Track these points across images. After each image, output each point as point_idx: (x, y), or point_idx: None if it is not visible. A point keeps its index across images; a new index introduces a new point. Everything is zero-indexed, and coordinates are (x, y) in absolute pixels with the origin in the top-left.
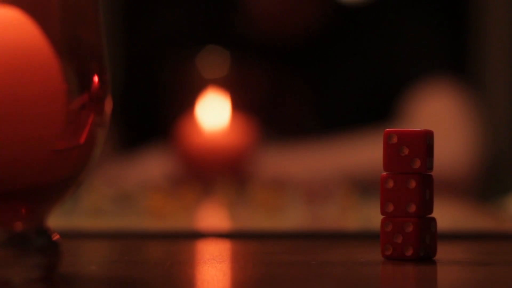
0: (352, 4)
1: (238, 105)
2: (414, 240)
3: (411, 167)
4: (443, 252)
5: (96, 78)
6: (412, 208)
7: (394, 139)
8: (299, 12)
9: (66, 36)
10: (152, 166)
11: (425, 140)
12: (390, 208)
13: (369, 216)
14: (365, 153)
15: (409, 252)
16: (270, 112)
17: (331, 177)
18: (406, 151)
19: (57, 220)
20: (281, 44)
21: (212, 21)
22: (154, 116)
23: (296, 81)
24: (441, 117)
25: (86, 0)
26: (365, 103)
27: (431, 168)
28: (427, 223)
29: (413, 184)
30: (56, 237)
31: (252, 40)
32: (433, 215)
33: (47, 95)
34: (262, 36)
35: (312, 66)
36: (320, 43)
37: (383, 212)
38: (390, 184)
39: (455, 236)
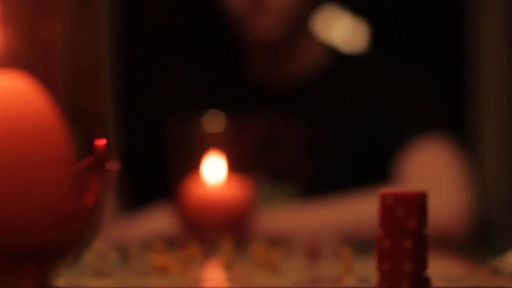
0: (350, 54)
1: (236, 164)
2: None
3: (406, 227)
4: None
5: (101, 142)
6: (408, 267)
7: (390, 200)
8: (296, 63)
9: (72, 101)
10: (154, 225)
11: (419, 201)
12: (386, 266)
13: (366, 273)
14: (362, 211)
15: None
16: (266, 167)
17: (329, 234)
18: (401, 211)
19: (60, 280)
20: (278, 98)
21: (212, 75)
22: (155, 177)
23: (291, 133)
24: (435, 175)
25: (91, 67)
26: (361, 158)
27: (425, 227)
28: (422, 281)
29: (408, 243)
30: None
31: (250, 94)
32: (428, 272)
33: (53, 159)
34: (259, 89)
35: (307, 118)
36: (315, 97)
37: (379, 270)
38: (386, 243)
39: None
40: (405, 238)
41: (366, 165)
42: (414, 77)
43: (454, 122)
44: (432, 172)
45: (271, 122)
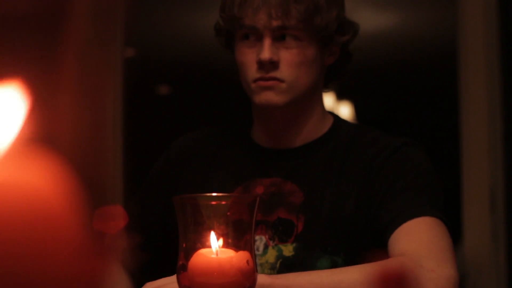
0: (346, 125)
1: (239, 231)
2: None
3: None
4: None
5: (112, 224)
6: None
7: (382, 281)
8: (297, 131)
9: (84, 181)
10: None
11: (408, 281)
12: None
13: None
14: (347, 278)
15: None
16: (262, 227)
17: None
18: None
19: None
20: (277, 161)
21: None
22: (162, 249)
23: (287, 194)
24: (425, 252)
25: (103, 141)
26: (353, 223)
27: None
28: None
29: None
30: None
31: (255, 157)
32: None
33: (64, 238)
34: (262, 153)
35: (303, 179)
36: (312, 161)
37: None
38: None
39: None
40: None
41: (358, 230)
42: (408, 155)
43: (447, 200)
44: (422, 250)
45: (270, 183)
